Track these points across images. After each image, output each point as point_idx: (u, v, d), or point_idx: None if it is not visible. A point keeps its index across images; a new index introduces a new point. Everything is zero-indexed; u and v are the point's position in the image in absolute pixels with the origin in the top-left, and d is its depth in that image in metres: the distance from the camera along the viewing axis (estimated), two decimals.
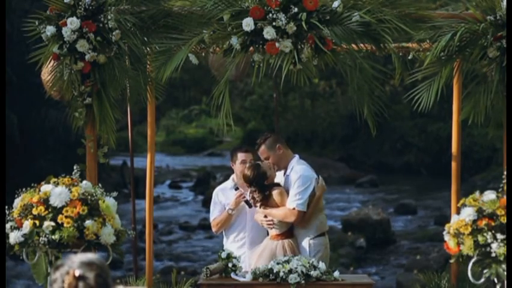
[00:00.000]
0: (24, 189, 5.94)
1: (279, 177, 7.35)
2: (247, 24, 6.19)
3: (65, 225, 5.70)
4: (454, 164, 6.98)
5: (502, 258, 5.71)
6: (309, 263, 6.65)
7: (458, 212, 6.02)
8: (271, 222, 7.16)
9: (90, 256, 3.63)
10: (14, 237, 5.75)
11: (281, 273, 6.55)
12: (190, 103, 41.18)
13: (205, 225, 19.24)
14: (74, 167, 6.15)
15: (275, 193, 7.13)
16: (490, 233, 5.73)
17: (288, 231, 7.18)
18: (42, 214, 5.74)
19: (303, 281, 6.53)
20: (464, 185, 8.30)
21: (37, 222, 5.73)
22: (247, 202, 7.27)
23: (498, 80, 6.40)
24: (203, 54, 6.76)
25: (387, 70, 6.90)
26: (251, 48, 6.33)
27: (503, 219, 5.75)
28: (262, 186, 7.13)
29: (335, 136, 32.22)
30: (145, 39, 6.53)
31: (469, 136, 24.95)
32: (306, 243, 7.14)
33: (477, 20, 6.41)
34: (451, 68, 6.58)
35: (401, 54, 6.90)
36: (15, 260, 13.59)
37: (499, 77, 6.40)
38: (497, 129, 6.65)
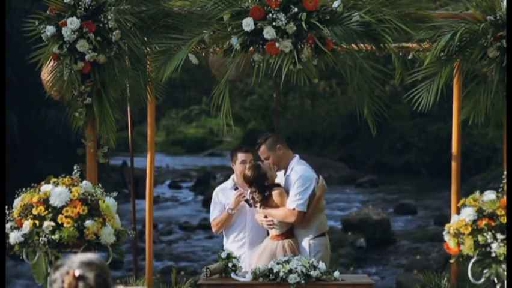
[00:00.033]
0: (24, 189, 5.94)
1: (279, 178, 7.35)
2: (247, 24, 6.19)
3: (65, 225, 5.70)
4: (453, 164, 6.98)
5: (502, 258, 5.71)
6: (309, 263, 6.65)
7: (458, 212, 6.02)
8: (271, 223, 7.16)
9: (90, 256, 3.63)
10: (14, 237, 5.75)
11: (281, 273, 6.55)
12: (190, 103, 41.17)
13: (205, 225, 19.24)
14: (74, 167, 6.15)
15: (275, 194, 7.13)
16: (490, 233, 5.73)
17: (289, 231, 7.17)
18: (42, 214, 5.74)
19: (303, 281, 6.53)
20: (464, 185, 8.30)
21: (37, 222, 5.73)
22: (247, 201, 7.27)
23: (498, 80, 6.40)
24: (203, 54, 6.76)
25: (387, 70, 6.90)
26: (251, 48, 6.33)
27: (503, 219, 5.75)
28: (262, 186, 7.13)
29: (335, 136, 32.21)
30: (145, 39, 6.53)
31: (469, 136, 24.95)
32: (306, 243, 7.14)
33: (477, 20, 6.41)
34: (451, 68, 6.58)
35: (401, 54, 6.90)
36: (15, 260, 13.59)
37: (499, 77, 6.40)
38: (497, 129, 6.65)
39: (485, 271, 5.81)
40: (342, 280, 6.65)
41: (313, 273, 6.56)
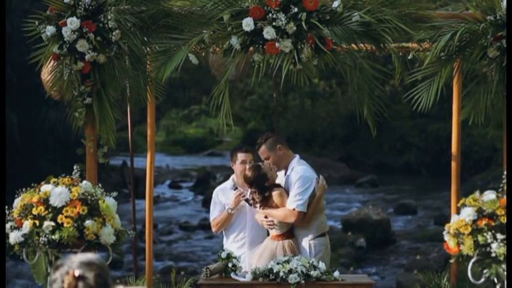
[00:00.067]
0: (24, 189, 5.94)
1: (279, 178, 7.35)
2: (247, 24, 6.19)
3: (65, 225, 5.70)
4: (453, 164, 6.98)
5: (502, 258, 5.71)
6: (309, 263, 6.65)
7: (458, 212, 6.02)
8: (271, 223, 7.16)
9: (90, 256, 3.63)
10: (14, 237, 5.75)
11: (281, 273, 6.55)
12: (190, 103, 41.16)
13: (205, 225, 19.24)
14: (74, 167, 6.15)
15: (275, 194, 7.13)
16: (490, 233, 5.73)
17: (289, 231, 7.17)
18: (42, 214, 5.74)
19: (303, 281, 6.53)
20: (464, 185, 8.30)
21: (37, 222, 5.73)
22: (247, 200, 7.27)
23: (498, 80, 6.40)
24: (203, 54, 6.76)
25: (387, 70, 6.90)
26: (251, 48, 6.33)
27: (503, 219, 5.75)
28: (262, 187, 7.12)
29: (335, 136, 32.20)
30: (145, 39, 6.53)
31: (469, 136, 24.94)
32: (306, 243, 7.14)
33: (477, 20, 6.41)
34: (451, 68, 6.58)
35: (401, 54, 6.90)
36: (15, 260, 13.59)
37: (499, 77, 6.40)
38: (497, 129, 6.65)
39: (485, 271, 5.81)
40: (342, 280, 6.65)
41: (313, 273, 6.56)
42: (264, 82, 30.15)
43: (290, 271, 6.55)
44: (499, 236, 5.72)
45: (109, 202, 5.97)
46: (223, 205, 7.43)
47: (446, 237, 5.95)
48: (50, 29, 6.33)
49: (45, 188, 5.87)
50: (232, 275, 6.77)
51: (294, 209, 7.05)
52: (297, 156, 7.36)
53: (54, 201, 5.77)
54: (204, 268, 6.79)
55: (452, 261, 6.12)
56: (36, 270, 5.97)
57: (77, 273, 3.56)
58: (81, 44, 6.32)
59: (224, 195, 7.45)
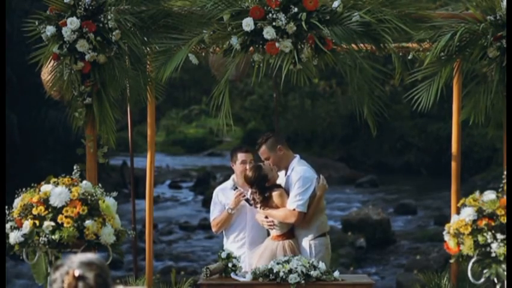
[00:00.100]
0: (24, 189, 5.94)
1: (280, 178, 7.35)
2: (247, 24, 6.19)
3: (65, 225, 5.70)
4: (453, 164, 6.98)
5: (502, 258, 5.71)
6: (309, 263, 6.65)
7: (458, 212, 6.02)
8: (272, 223, 7.16)
9: (90, 256, 3.63)
10: (14, 237, 5.75)
11: (281, 273, 6.55)
12: (190, 103, 41.15)
13: (205, 225, 19.24)
14: (74, 167, 6.15)
15: (275, 195, 7.13)
16: (490, 233, 5.73)
17: (289, 231, 7.17)
18: (42, 214, 5.74)
19: (303, 281, 6.53)
20: (464, 185, 8.29)
21: (37, 222, 5.73)
22: (247, 200, 7.27)
23: (498, 80, 6.40)
24: (203, 54, 6.76)
25: (387, 70, 6.90)
26: (251, 48, 6.33)
27: (503, 219, 5.75)
28: (263, 187, 7.12)
29: (335, 136, 32.20)
30: (145, 39, 6.53)
31: (469, 136, 24.94)
32: (306, 243, 7.14)
33: (477, 20, 6.41)
34: (451, 68, 6.58)
35: (401, 54, 6.90)
36: (15, 260, 13.59)
37: (499, 77, 6.39)
38: (497, 129, 6.65)
39: (485, 271, 5.81)
40: (342, 280, 6.65)
41: (313, 273, 6.56)
42: (264, 82, 30.15)
43: (290, 271, 6.55)
44: (499, 236, 5.72)
45: (109, 202, 5.97)
46: (223, 205, 7.43)
47: (446, 237, 5.95)
48: (50, 29, 6.33)
49: (45, 188, 5.87)
50: (232, 275, 6.77)
51: (294, 210, 7.05)
52: (298, 156, 7.35)
53: (54, 201, 5.77)
54: (203, 268, 6.79)
55: (452, 261, 6.12)
56: (36, 270, 5.97)
57: (77, 273, 3.56)
58: (81, 44, 6.32)
59: (224, 195, 7.45)
